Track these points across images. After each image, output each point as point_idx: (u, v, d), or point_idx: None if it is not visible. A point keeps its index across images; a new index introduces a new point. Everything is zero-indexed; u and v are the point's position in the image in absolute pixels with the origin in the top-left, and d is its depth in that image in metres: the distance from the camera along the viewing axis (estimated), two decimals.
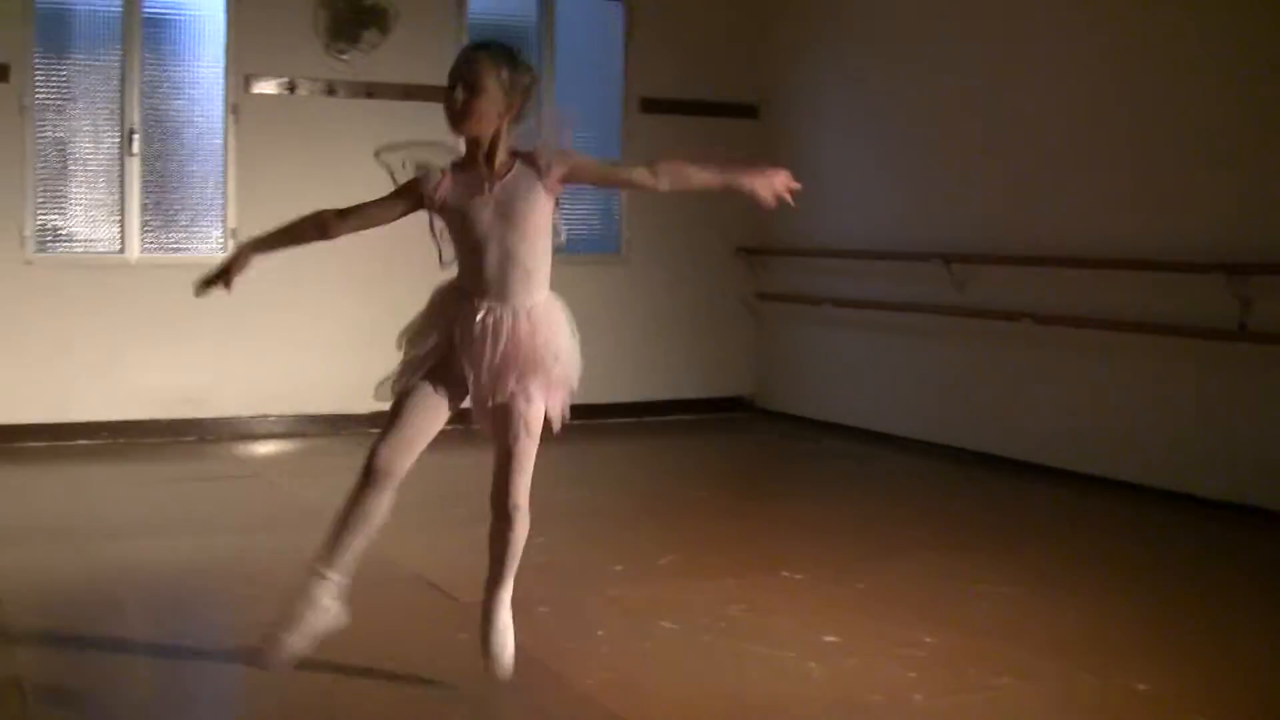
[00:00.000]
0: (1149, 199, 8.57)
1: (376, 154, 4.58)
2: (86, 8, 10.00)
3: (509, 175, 4.57)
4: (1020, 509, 8.40)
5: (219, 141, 10.30)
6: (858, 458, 10.11)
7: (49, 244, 9.94)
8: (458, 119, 4.51)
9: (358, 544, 4.65)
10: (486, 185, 4.55)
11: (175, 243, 10.29)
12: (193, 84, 10.33)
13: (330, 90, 10.43)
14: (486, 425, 4.80)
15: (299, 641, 4.59)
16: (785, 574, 6.58)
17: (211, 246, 10.31)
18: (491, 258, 4.57)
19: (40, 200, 9.87)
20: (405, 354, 4.74)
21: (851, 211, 10.95)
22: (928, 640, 5.54)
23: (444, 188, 4.58)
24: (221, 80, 10.28)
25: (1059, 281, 9.08)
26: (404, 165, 4.63)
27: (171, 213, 10.28)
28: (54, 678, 5.08)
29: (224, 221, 10.28)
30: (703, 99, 11.70)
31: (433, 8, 10.70)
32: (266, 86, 10.29)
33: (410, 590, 5.99)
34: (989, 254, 9.58)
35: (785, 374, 11.79)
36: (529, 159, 4.60)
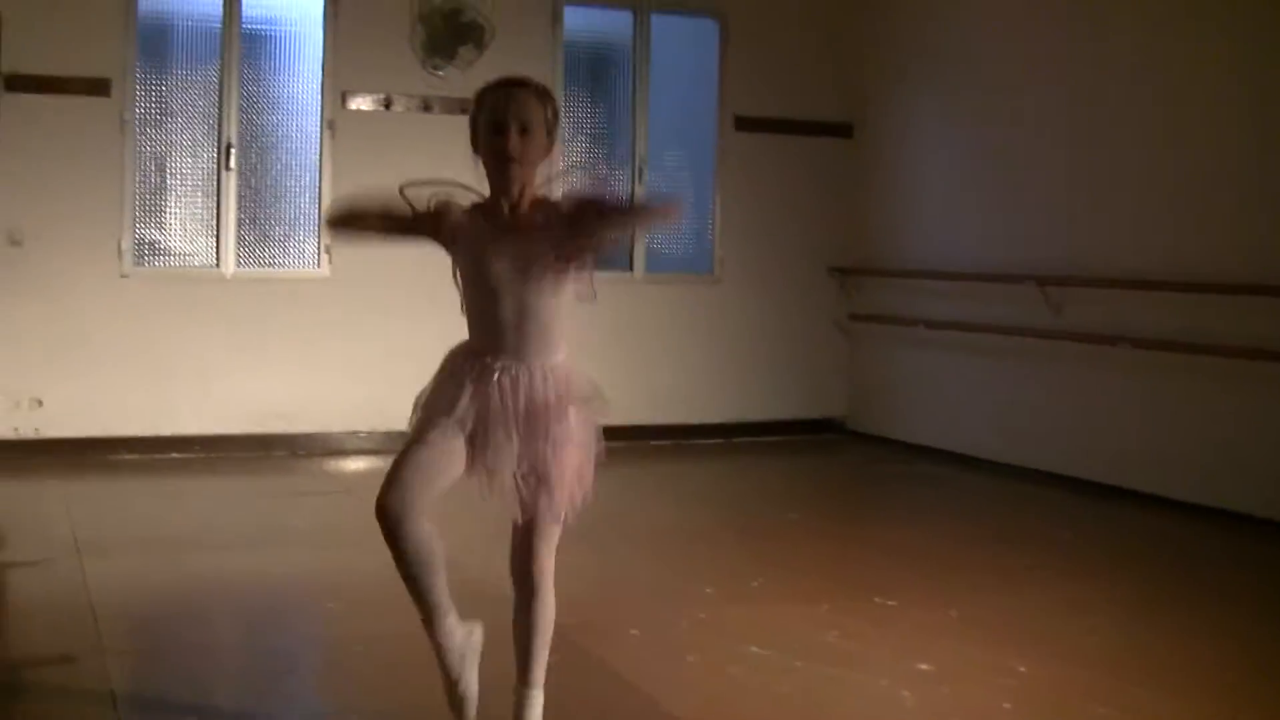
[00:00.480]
0: (1254, 221, 8.44)
1: (400, 190, 4.29)
2: (186, 22, 10.09)
3: (532, 223, 4.19)
4: (1117, 536, 8.27)
5: (315, 157, 10.35)
6: (950, 481, 10.02)
7: (146, 258, 10.03)
8: (509, 161, 4.16)
9: (435, 585, 4.30)
10: (506, 229, 4.19)
11: (270, 258, 10.35)
12: (290, 99, 10.40)
13: (426, 106, 10.46)
14: (498, 493, 4.32)
15: (469, 689, 4.39)
16: (878, 599, 6.50)
17: (306, 262, 10.36)
18: (507, 311, 4.20)
19: (138, 214, 9.95)
20: (416, 420, 4.39)
21: (945, 232, 10.87)
22: (1022, 669, 5.46)
23: (462, 225, 4.22)
24: (318, 96, 10.34)
25: (1158, 305, 8.96)
26: (429, 203, 4.25)
27: (267, 228, 10.34)
28: (146, 690, 5.10)
29: (318, 237, 10.32)
30: (797, 118, 11.65)
31: (528, 25, 10.72)
32: (362, 102, 10.34)
33: (501, 610, 5.96)
34: (1085, 276, 9.47)
35: (877, 396, 11.70)
36: (553, 207, 4.23)
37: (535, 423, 4.19)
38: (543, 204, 4.23)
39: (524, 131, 4.18)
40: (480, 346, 4.28)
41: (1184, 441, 8.85)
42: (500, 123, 4.18)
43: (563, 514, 4.34)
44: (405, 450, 4.25)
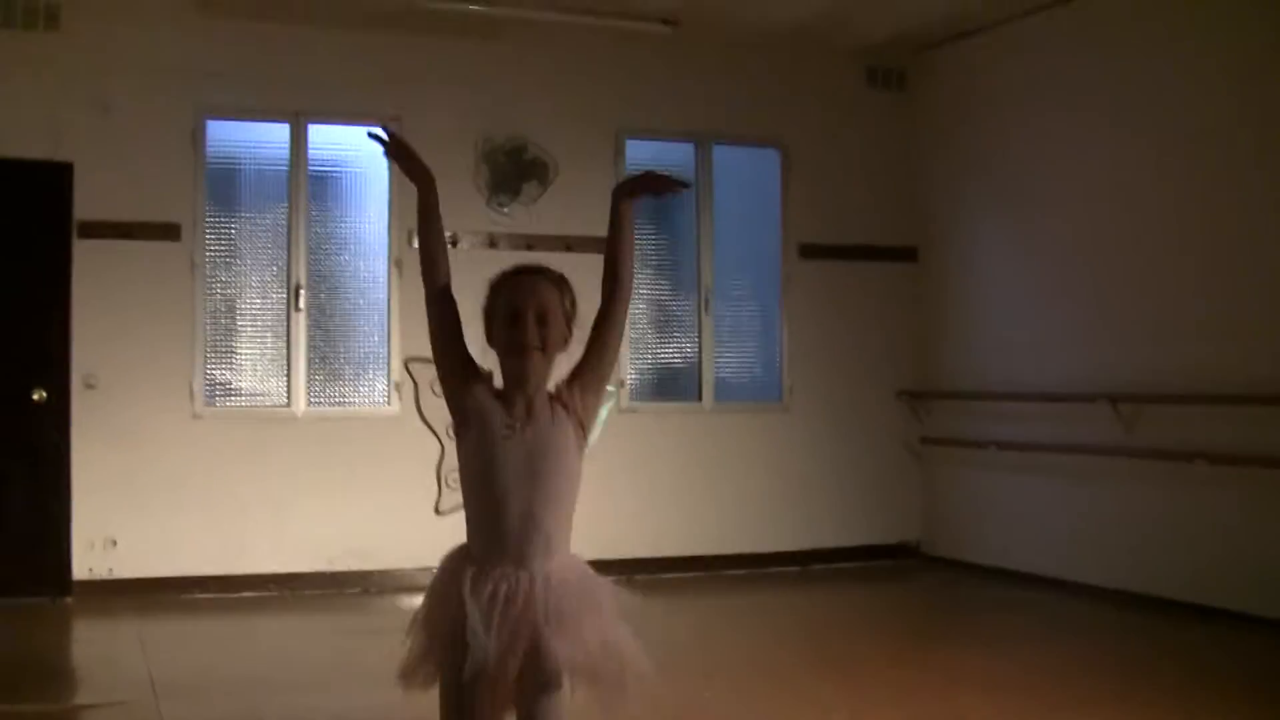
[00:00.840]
0: None
1: (406, 363, 4.05)
2: (254, 165, 10.24)
3: (545, 419, 3.88)
4: (1201, 658, 8.13)
5: (383, 296, 10.44)
6: (1028, 604, 9.89)
7: (217, 398, 10.11)
8: (526, 351, 3.91)
9: None
10: (519, 425, 3.86)
11: (340, 396, 10.42)
12: (357, 239, 10.50)
13: (491, 243, 10.54)
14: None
15: None
16: None
17: (376, 399, 10.42)
18: (512, 517, 3.82)
19: (209, 355, 10.04)
20: (413, 642, 4.05)
21: (1013, 352, 10.83)
22: None
23: (483, 408, 3.92)
24: (385, 235, 10.44)
25: (1232, 419, 8.87)
26: (432, 387, 4.03)
27: (337, 366, 10.41)
28: None
29: (388, 375, 10.37)
30: (861, 243, 11.67)
31: (591, 160, 10.80)
32: None
33: None
34: (1157, 393, 9.40)
35: (951, 519, 11.61)
36: (559, 399, 3.93)
37: (536, 632, 3.76)
38: (558, 395, 3.92)
39: (541, 321, 3.94)
40: (479, 551, 3.87)
41: (1266, 558, 8.73)
42: (518, 311, 3.96)
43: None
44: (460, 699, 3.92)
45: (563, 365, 3.97)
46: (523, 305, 3.95)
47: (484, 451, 3.87)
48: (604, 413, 4.10)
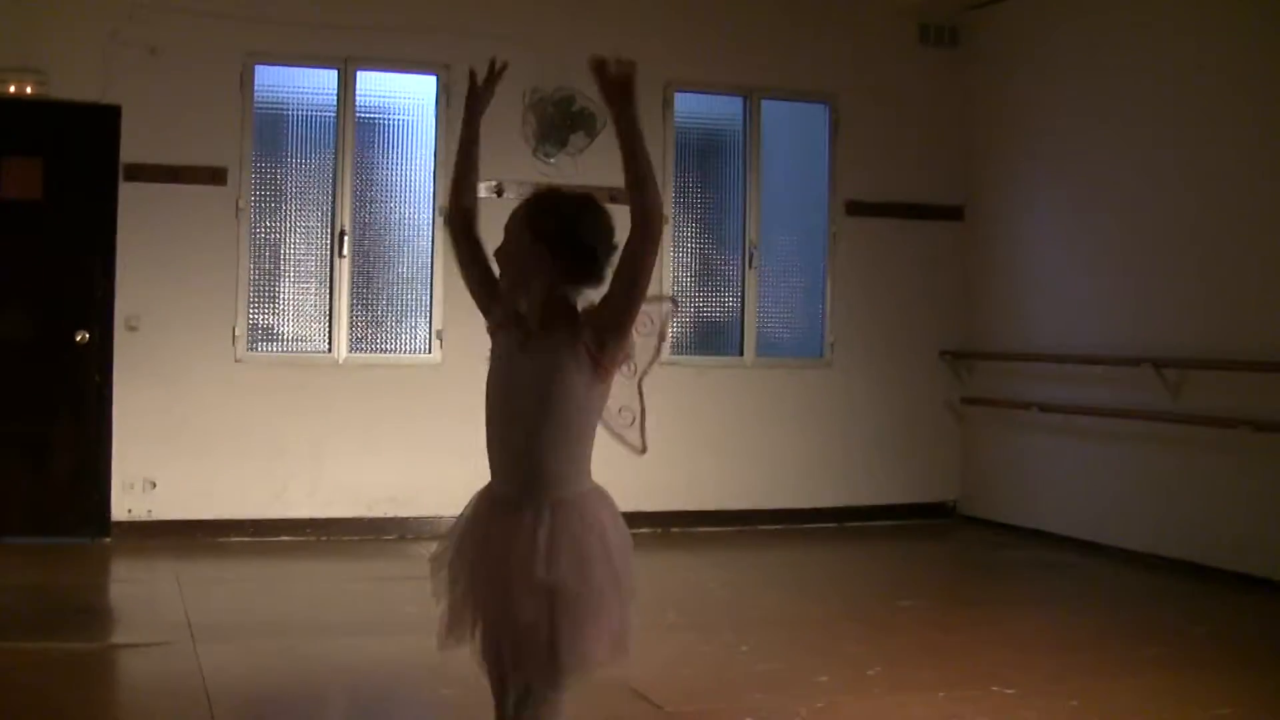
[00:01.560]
0: None
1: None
2: (301, 111, 10.22)
3: (546, 347, 3.81)
4: (1241, 625, 8.10)
5: (427, 244, 10.43)
6: (1066, 567, 9.86)
7: (259, 343, 10.12)
8: (505, 292, 4.01)
9: None
10: (517, 351, 3.87)
11: (382, 343, 10.42)
12: (403, 187, 10.48)
13: None
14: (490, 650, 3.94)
15: None
16: (996, 689, 6.39)
17: (418, 347, 10.42)
18: (506, 443, 3.86)
19: (252, 300, 10.06)
20: (442, 598, 4.01)
21: (1058, 314, 10.77)
22: None
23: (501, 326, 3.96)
24: (431, 182, 10.42)
25: (1276, 387, 8.80)
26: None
27: (379, 313, 10.41)
28: None
29: (430, 323, 10.38)
30: (908, 201, 11.61)
31: (641, 111, 10.72)
32: None
33: (616, 699, 5.91)
34: (1203, 358, 9.33)
35: (990, 480, 11.57)
36: (571, 327, 3.84)
37: (530, 571, 3.69)
38: (572, 323, 3.82)
39: (504, 259, 3.98)
40: (494, 478, 3.93)
41: None
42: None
43: (563, 679, 3.80)
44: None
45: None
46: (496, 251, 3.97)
47: (490, 375, 3.91)
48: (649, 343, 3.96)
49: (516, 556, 3.69)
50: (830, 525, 11.25)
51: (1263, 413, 8.88)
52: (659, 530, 10.52)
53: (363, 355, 10.30)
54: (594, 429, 3.82)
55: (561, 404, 3.74)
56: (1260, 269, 9.06)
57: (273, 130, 10.17)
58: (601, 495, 3.86)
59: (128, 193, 9.68)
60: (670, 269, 10.87)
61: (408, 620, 7.76)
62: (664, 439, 10.58)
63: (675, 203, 10.95)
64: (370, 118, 10.36)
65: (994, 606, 8.76)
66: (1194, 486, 9.51)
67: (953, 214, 11.75)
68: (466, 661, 6.73)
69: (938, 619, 8.18)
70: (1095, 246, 10.50)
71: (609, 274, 3.81)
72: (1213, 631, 7.83)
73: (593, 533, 3.75)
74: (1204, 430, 9.32)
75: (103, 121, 9.60)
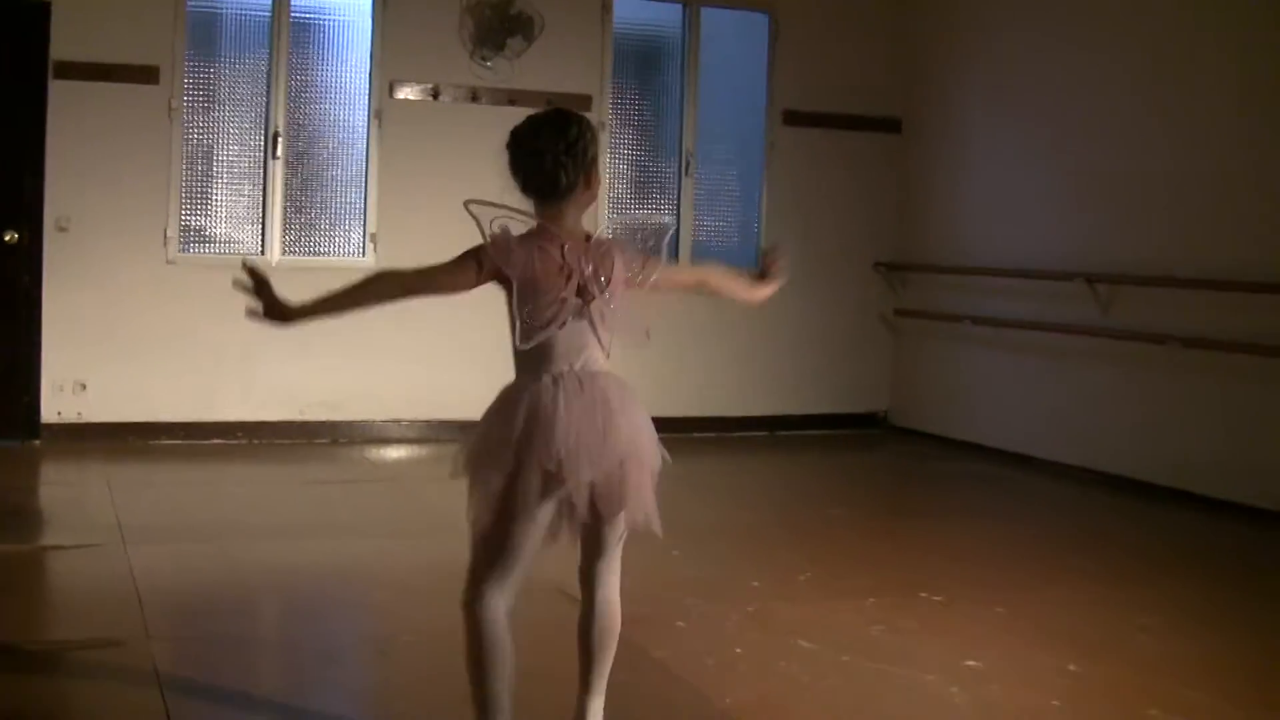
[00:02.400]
0: None
1: (466, 204, 4.13)
2: (235, 11, 10.07)
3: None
4: (1164, 536, 8.21)
5: (362, 146, 10.34)
6: (994, 478, 9.95)
7: (191, 244, 10.02)
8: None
9: (503, 692, 4.19)
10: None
11: (316, 246, 10.34)
12: (337, 89, 10.38)
13: (473, 97, 10.44)
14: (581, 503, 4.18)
15: None
16: (925, 595, 6.46)
17: (352, 251, 10.36)
18: (569, 334, 4.21)
19: (184, 202, 9.95)
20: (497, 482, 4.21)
21: (993, 228, 10.80)
22: (1073, 668, 5.42)
23: (519, 254, 4.17)
24: (366, 85, 10.32)
25: (1207, 304, 8.88)
26: (490, 224, 4.13)
27: (313, 216, 10.33)
28: (191, 676, 5.09)
29: (365, 226, 10.32)
30: (846, 112, 11.59)
31: (578, 17, 10.69)
32: (410, 92, 10.32)
33: (550, 602, 5.93)
34: (1134, 275, 9.39)
35: (921, 391, 11.64)
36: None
37: (610, 427, 4.15)
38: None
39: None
40: (538, 371, 4.19)
41: (1233, 443, 8.78)
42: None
43: (636, 522, 4.30)
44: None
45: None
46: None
47: (535, 285, 4.20)
48: None
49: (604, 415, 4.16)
50: (762, 434, 11.31)
51: (1192, 329, 8.95)
52: None
53: (296, 258, 10.21)
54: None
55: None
56: (1192, 188, 9.11)
57: (206, 29, 10.03)
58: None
59: (57, 91, 9.53)
60: (607, 176, 10.81)
61: (340, 524, 7.79)
62: None
63: (612, 110, 10.90)
64: (305, 19, 10.23)
65: (923, 516, 8.85)
66: (1124, 401, 9.60)
67: (890, 126, 11.74)
68: (398, 565, 6.76)
69: (868, 527, 8.25)
70: (1030, 162, 10.53)
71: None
72: (1138, 544, 7.93)
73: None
74: (1134, 345, 9.40)
75: (32, 18, 9.44)
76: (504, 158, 4.23)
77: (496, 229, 4.14)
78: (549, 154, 4.15)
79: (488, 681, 4.18)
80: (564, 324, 4.14)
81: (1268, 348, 8.41)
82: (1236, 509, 8.61)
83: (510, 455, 4.10)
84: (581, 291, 4.16)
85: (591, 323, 4.20)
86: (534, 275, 4.11)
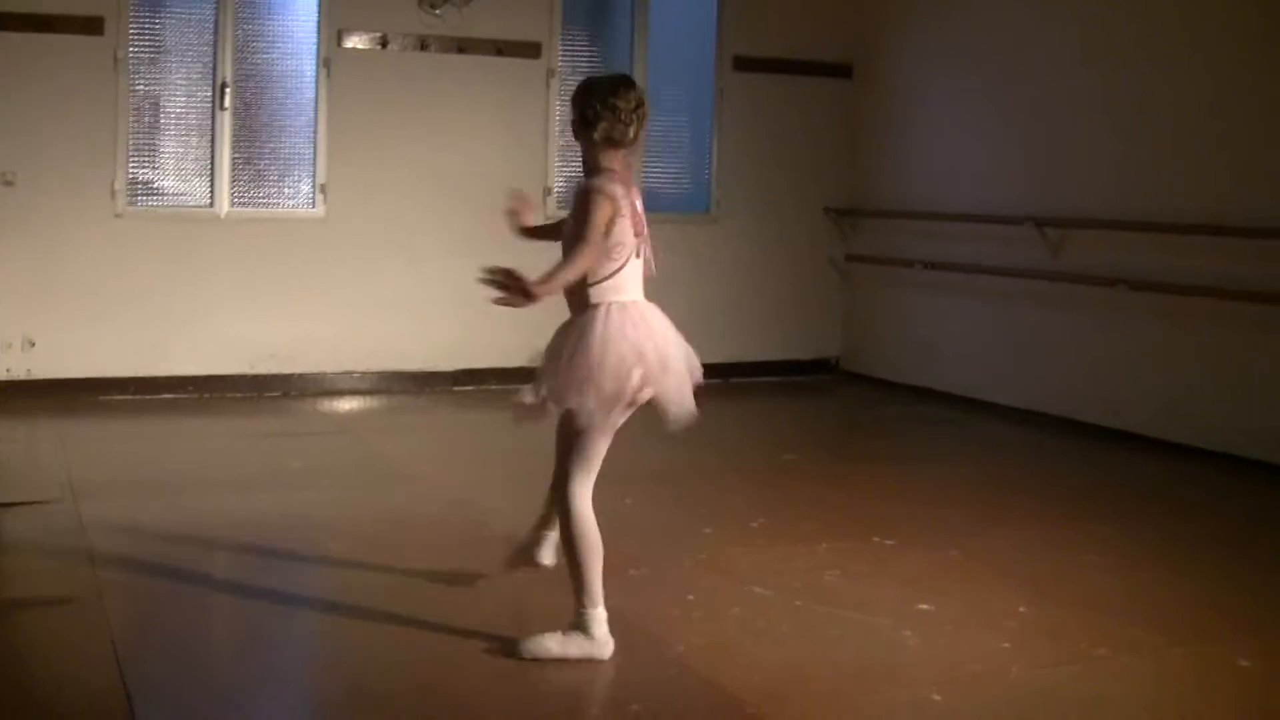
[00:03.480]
0: (1252, 164, 8.41)
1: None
2: None
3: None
4: (1114, 479, 8.27)
5: (310, 96, 10.27)
6: (946, 423, 10.00)
7: (139, 198, 9.95)
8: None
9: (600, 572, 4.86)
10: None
11: (265, 198, 10.28)
12: (285, 38, 10.29)
13: (422, 45, 10.38)
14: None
15: (560, 652, 4.82)
16: (877, 539, 6.50)
17: (301, 202, 10.30)
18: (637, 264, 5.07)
19: (132, 154, 9.88)
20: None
21: (944, 173, 10.83)
22: (1023, 610, 5.47)
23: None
24: (314, 35, 10.24)
25: (1156, 247, 8.93)
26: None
27: (262, 167, 10.26)
28: (144, 632, 5.08)
29: (314, 176, 10.26)
30: (796, 58, 11.57)
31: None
32: (359, 41, 10.25)
33: (503, 553, 5.94)
34: (1084, 218, 9.44)
35: (873, 337, 11.68)
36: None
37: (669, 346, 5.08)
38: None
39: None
40: (613, 299, 4.96)
41: (1179, 385, 8.84)
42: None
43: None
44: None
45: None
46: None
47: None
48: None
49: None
50: (715, 381, 11.26)
51: (1139, 272, 9.01)
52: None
53: (245, 210, 10.15)
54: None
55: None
56: (1140, 132, 9.14)
57: None
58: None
59: (1, 42, 9.43)
60: (556, 121, 10.78)
61: (291, 476, 7.77)
62: (554, 296, 10.57)
63: (562, 58, 10.85)
64: None
65: (875, 461, 8.88)
66: (1073, 344, 9.65)
67: (841, 72, 11.72)
68: (352, 517, 6.76)
69: (820, 473, 8.28)
70: (981, 107, 10.54)
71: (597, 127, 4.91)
72: (1087, 485, 7.99)
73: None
74: (1083, 288, 9.45)
75: None
76: (573, 108, 4.97)
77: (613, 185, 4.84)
78: (624, 110, 4.89)
79: (591, 561, 4.82)
80: (631, 259, 4.94)
81: (1215, 290, 8.48)
82: (1182, 450, 8.70)
83: (627, 370, 4.84)
84: (639, 234, 4.93)
85: (642, 258, 5.01)
86: (628, 214, 4.86)
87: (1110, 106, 9.37)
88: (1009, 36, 10.22)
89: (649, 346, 4.89)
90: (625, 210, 4.81)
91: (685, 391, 5.03)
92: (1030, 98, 10.03)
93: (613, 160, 4.90)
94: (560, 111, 10.84)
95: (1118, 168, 9.28)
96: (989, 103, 10.45)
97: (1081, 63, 9.59)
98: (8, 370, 9.58)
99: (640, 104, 4.93)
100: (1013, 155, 10.18)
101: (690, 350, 5.14)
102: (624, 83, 5.01)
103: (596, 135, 4.88)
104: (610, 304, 4.89)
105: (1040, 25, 9.93)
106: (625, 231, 4.83)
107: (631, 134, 4.89)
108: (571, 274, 4.84)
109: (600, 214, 4.77)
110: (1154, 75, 9.05)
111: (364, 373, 10.41)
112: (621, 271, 4.90)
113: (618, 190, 4.81)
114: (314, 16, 10.24)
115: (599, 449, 4.92)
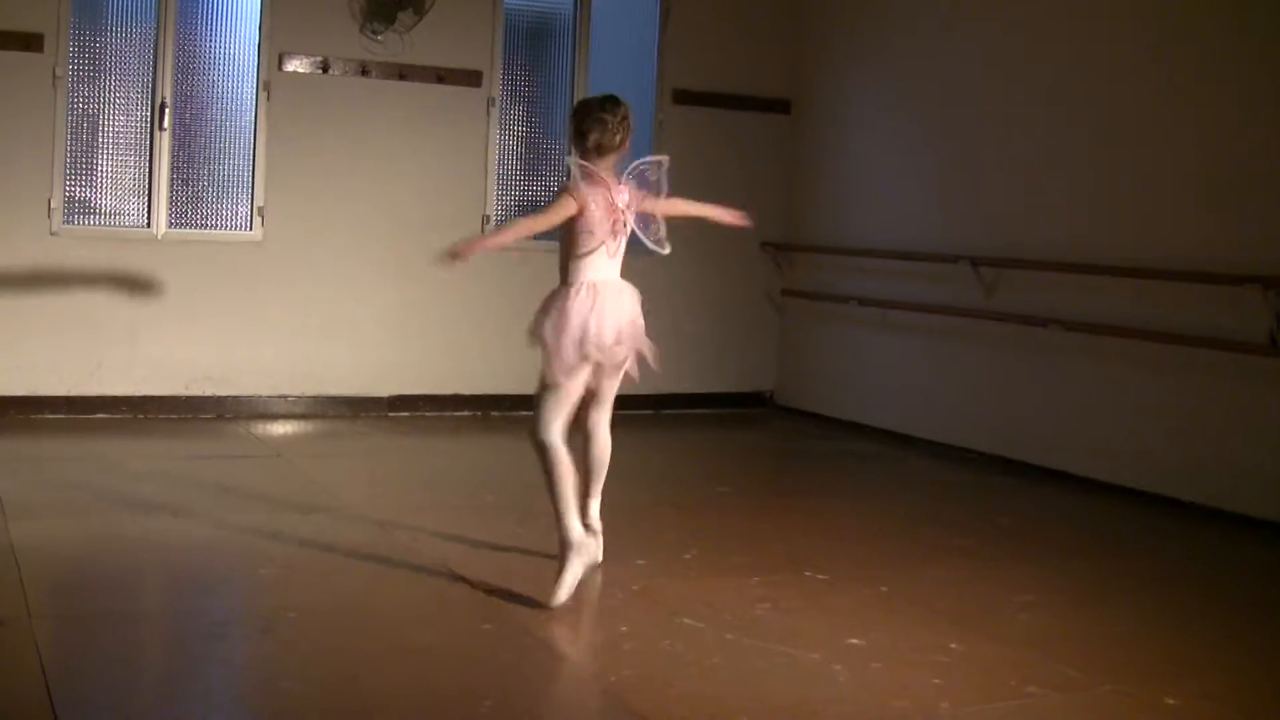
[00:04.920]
0: (1183, 209, 8.52)
1: (568, 161, 6.13)
2: None
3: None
4: (1045, 517, 8.33)
5: (250, 119, 10.26)
6: (879, 458, 10.05)
7: (76, 217, 9.89)
8: None
9: (572, 495, 5.97)
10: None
11: (202, 219, 10.25)
12: (226, 60, 10.28)
13: (363, 71, 10.39)
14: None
15: (574, 580, 5.82)
16: (809, 574, 6.54)
17: (239, 225, 10.27)
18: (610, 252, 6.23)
19: (69, 173, 9.83)
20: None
21: (880, 210, 10.91)
22: (954, 646, 5.50)
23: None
24: (255, 57, 10.23)
25: (1089, 288, 9.03)
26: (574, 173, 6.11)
27: (200, 189, 10.24)
28: (75, 655, 5.05)
29: (252, 200, 10.23)
30: (736, 92, 11.65)
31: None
32: (299, 65, 10.25)
33: (435, 580, 5.94)
34: (1018, 258, 9.53)
35: (807, 372, 11.74)
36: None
37: (628, 319, 6.25)
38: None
39: None
40: (585, 278, 6.10)
41: (1111, 425, 8.93)
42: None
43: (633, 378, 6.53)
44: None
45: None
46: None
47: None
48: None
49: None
50: (647, 412, 11.35)
51: (1073, 313, 9.10)
52: (478, 414, 10.56)
53: (182, 231, 10.13)
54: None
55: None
56: (1071, 171, 9.24)
57: None
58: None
59: None
60: (496, 153, 10.82)
61: (225, 499, 7.73)
62: (489, 322, 10.62)
63: (502, 86, 10.88)
64: None
65: (808, 495, 8.93)
66: (1005, 382, 9.74)
67: (780, 107, 11.81)
68: (285, 541, 6.75)
69: (753, 506, 8.31)
70: (917, 145, 10.64)
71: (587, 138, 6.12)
72: (1018, 523, 8.04)
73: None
74: (1016, 328, 9.54)
75: None
76: (570, 123, 6.22)
77: (578, 176, 6.00)
78: (611, 121, 6.09)
79: (562, 488, 5.92)
80: (604, 245, 6.06)
81: (1147, 332, 8.57)
82: (1112, 489, 8.78)
83: (577, 339, 5.95)
84: (614, 224, 6.06)
85: (619, 245, 6.16)
86: (597, 209, 5.99)
87: (1046, 147, 9.47)
88: (947, 77, 10.32)
89: (593, 321, 5.96)
90: (595, 207, 5.96)
91: (633, 359, 6.32)
92: (966, 137, 10.13)
93: (601, 166, 6.07)
94: (500, 140, 10.87)
95: (1053, 209, 9.38)
96: (926, 141, 10.55)
97: (1018, 104, 9.70)
98: None
99: (625, 116, 6.15)
100: (948, 194, 10.27)
101: (641, 328, 6.29)
102: (611, 99, 6.21)
103: (589, 143, 6.04)
104: (582, 283, 6.02)
105: (978, 67, 10.03)
106: (595, 224, 5.99)
107: (618, 140, 6.10)
108: (502, 238, 6.59)
109: (557, 206, 5.98)
110: (1092, 117, 9.15)
111: (298, 397, 10.38)
112: (591, 256, 6.04)
113: (585, 192, 5.95)
114: (255, 39, 10.23)
115: (560, 395, 6.00)
